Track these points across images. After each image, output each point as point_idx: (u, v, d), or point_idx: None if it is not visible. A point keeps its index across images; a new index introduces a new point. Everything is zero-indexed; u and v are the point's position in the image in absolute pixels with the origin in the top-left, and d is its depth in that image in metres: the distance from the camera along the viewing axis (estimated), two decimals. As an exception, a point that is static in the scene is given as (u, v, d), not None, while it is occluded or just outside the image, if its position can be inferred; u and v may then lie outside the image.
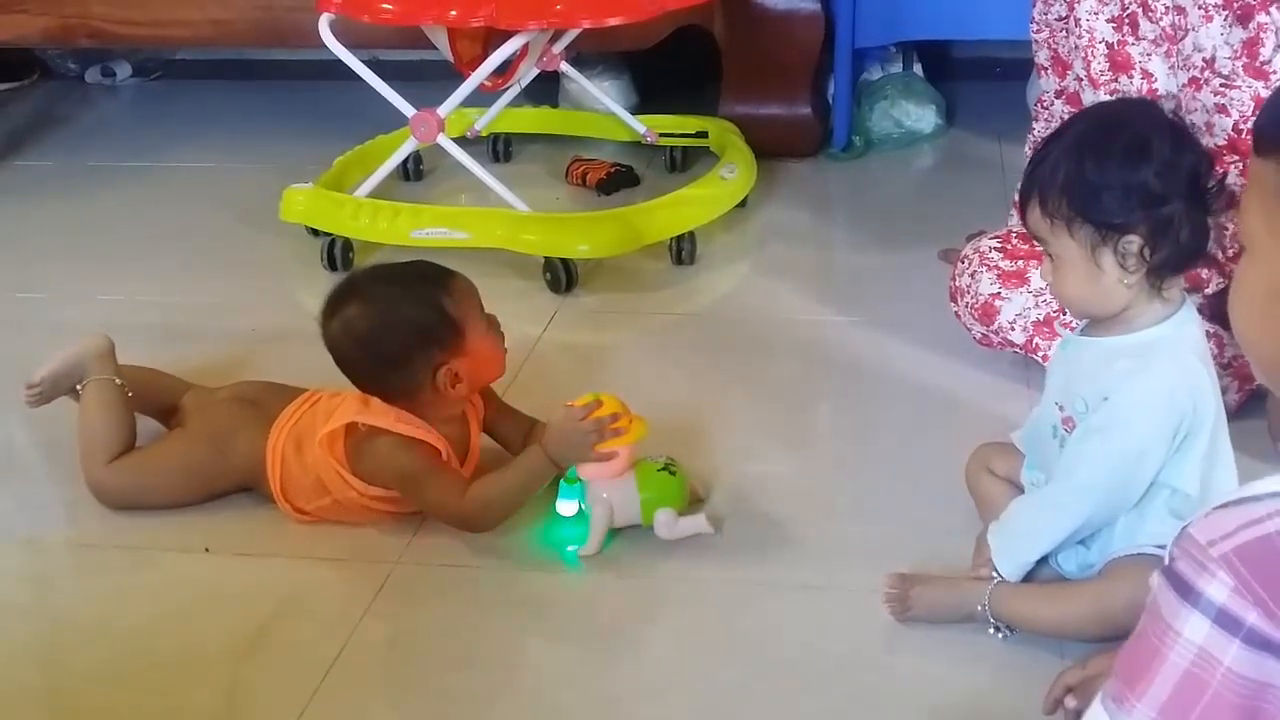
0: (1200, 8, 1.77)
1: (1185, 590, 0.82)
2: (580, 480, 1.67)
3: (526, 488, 1.65)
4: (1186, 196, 1.37)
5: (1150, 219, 1.36)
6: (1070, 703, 1.33)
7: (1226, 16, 1.75)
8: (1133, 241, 1.37)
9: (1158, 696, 0.83)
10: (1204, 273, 1.92)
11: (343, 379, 1.73)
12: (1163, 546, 1.40)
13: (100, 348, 1.84)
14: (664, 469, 1.68)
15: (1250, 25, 1.74)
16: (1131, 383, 1.40)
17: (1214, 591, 0.81)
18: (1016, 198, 2.19)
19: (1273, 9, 1.73)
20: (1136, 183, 1.36)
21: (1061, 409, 1.48)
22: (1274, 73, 1.74)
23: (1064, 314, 1.91)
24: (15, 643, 1.58)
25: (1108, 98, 1.90)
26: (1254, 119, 0.95)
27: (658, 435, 1.89)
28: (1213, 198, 1.40)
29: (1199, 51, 1.78)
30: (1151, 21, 1.83)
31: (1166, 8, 1.81)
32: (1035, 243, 1.44)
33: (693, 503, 1.72)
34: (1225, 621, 0.81)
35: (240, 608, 1.60)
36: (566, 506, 1.70)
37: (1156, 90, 1.86)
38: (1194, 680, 0.82)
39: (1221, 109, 1.78)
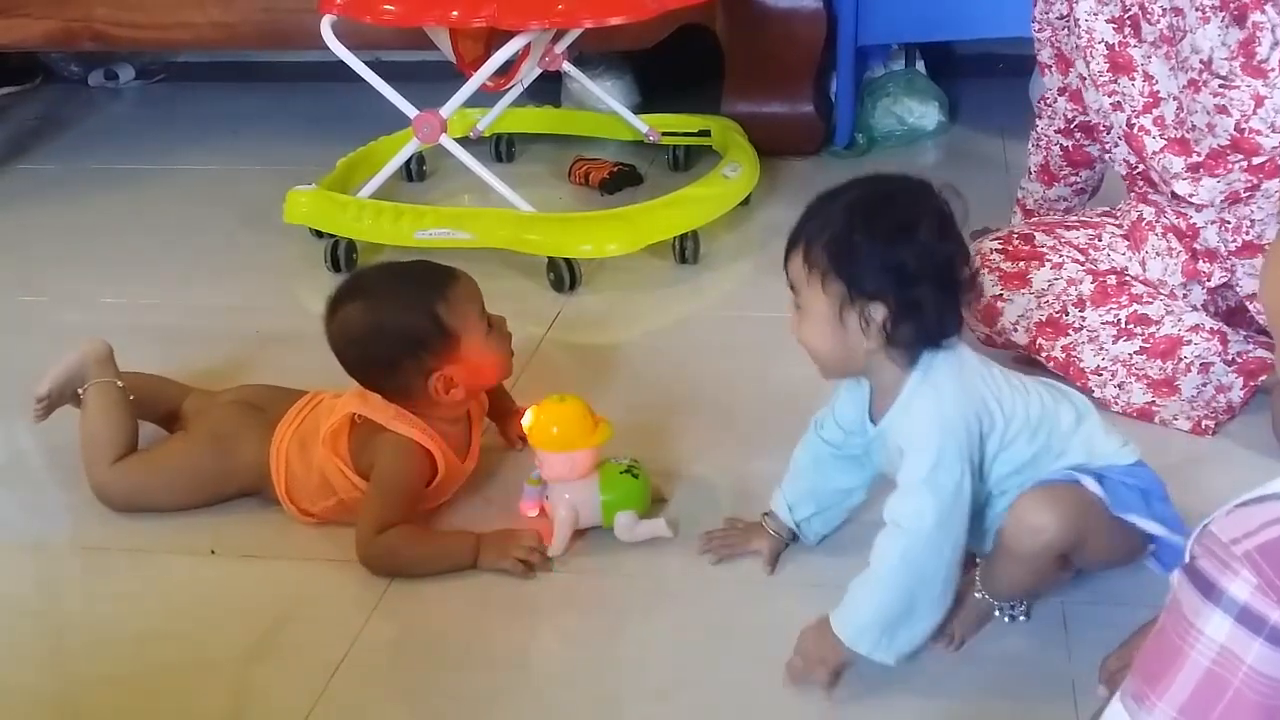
0: (1197, 9, 1.77)
1: (1207, 588, 0.82)
2: (543, 482, 1.68)
3: (437, 563, 1.64)
4: (936, 282, 1.38)
5: (899, 296, 1.37)
6: (1101, 691, 1.34)
7: (1223, 17, 1.75)
8: (878, 309, 1.38)
9: (1178, 695, 0.83)
10: (1205, 265, 1.92)
11: (345, 381, 1.74)
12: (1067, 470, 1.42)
13: (100, 352, 1.84)
14: (626, 471, 1.68)
15: (1246, 24, 1.73)
16: (911, 429, 1.41)
17: (1237, 590, 0.80)
18: (1020, 195, 2.21)
19: (1268, 7, 1.73)
20: (894, 259, 1.37)
21: None
22: (1271, 70, 1.74)
23: (1065, 314, 1.92)
24: (22, 645, 1.59)
25: (1108, 98, 1.90)
26: None
27: (662, 434, 1.89)
28: (963, 289, 1.40)
29: (1196, 53, 1.78)
30: (1150, 23, 1.83)
31: (1164, 10, 1.81)
32: (791, 288, 1.45)
33: (655, 502, 1.73)
34: (1248, 620, 0.80)
35: (246, 610, 1.60)
36: (529, 508, 1.70)
37: (1158, 92, 1.86)
38: (1215, 679, 0.81)
39: (1221, 110, 1.77)
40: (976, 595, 1.49)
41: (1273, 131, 1.76)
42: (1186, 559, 0.85)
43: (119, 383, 1.83)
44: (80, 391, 1.84)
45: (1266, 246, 1.85)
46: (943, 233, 1.39)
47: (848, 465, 1.61)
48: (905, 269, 1.37)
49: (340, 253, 2.49)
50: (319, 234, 2.56)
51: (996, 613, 1.50)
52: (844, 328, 1.40)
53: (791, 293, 1.45)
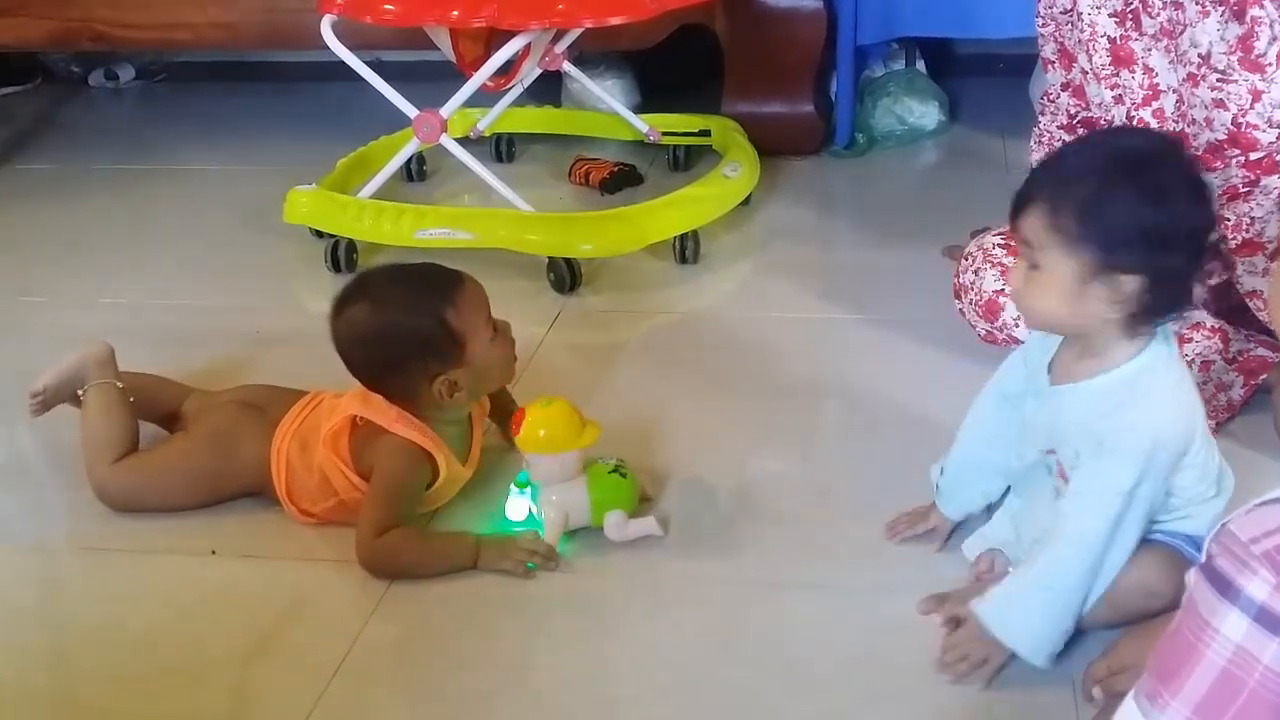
0: (1197, 3, 1.76)
1: (1224, 587, 0.81)
2: (532, 484, 1.68)
3: (438, 564, 1.64)
4: (1189, 253, 1.31)
5: (1155, 266, 1.31)
6: (1096, 693, 1.34)
7: (1223, 12, 1.75)
8: (1131, 282, 1.31)
9: (1193, 694, 0.82)
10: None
11: (346, 382, 1.73)
12: (1168, 533, 1.40)
13: (100, 355, 1.85)
14: (614, 471, 1.68)
15: (1245, 19, 1.73)
16: (1123, 423, 1.35)
17: (1255, 589, 0.80)
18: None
19: (1267, 2, 1.72)
20: (1157, 227, 1.29)
21: (1053, 452, 1.45)
22: (1269, 65, 1.74)
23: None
24: (22, 646, 1.59)
25: (1110, 91, 1.90)
26: None
27: (662, 434, 1.89)
28: (1207, 257, 1.33)
29: (1195, 47, 1.78)
30: (1150, 16, 1.83)
31: (1164, 3, 1.81)
32: (1023, 245, 1.37)
33: (642, 501, 1.73)
34: (1266, 620, 0.80)
35: (246, 610, 1.60)
36: (517, 510, 1.70)
37: (1158, 85, 1.86)
38: (1231, 678, 0.81)
39: (1219, 104, 1.77)
40: None
41: (1270, 126, 1.76)
42: (1204, 558, 0.84)
43: (119, 384, 1.83)
44: (80, 392, 1.84)
45: (1267, 244, 1.85)
46: (1198, 198, 1.31)
47: (1001, 444, 1.57)
48: (1166, 239, 1.29)
49: (340, 253, 2.49)
50: (319, 234, 2.56)
51: None
52: (1085, 295, 1.32)
53: (1023, 248, 1.36)
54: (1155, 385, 1.36)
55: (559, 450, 1.65)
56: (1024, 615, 1.40)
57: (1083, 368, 1.41)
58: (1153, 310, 1.34)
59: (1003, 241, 1.98)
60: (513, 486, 1.70)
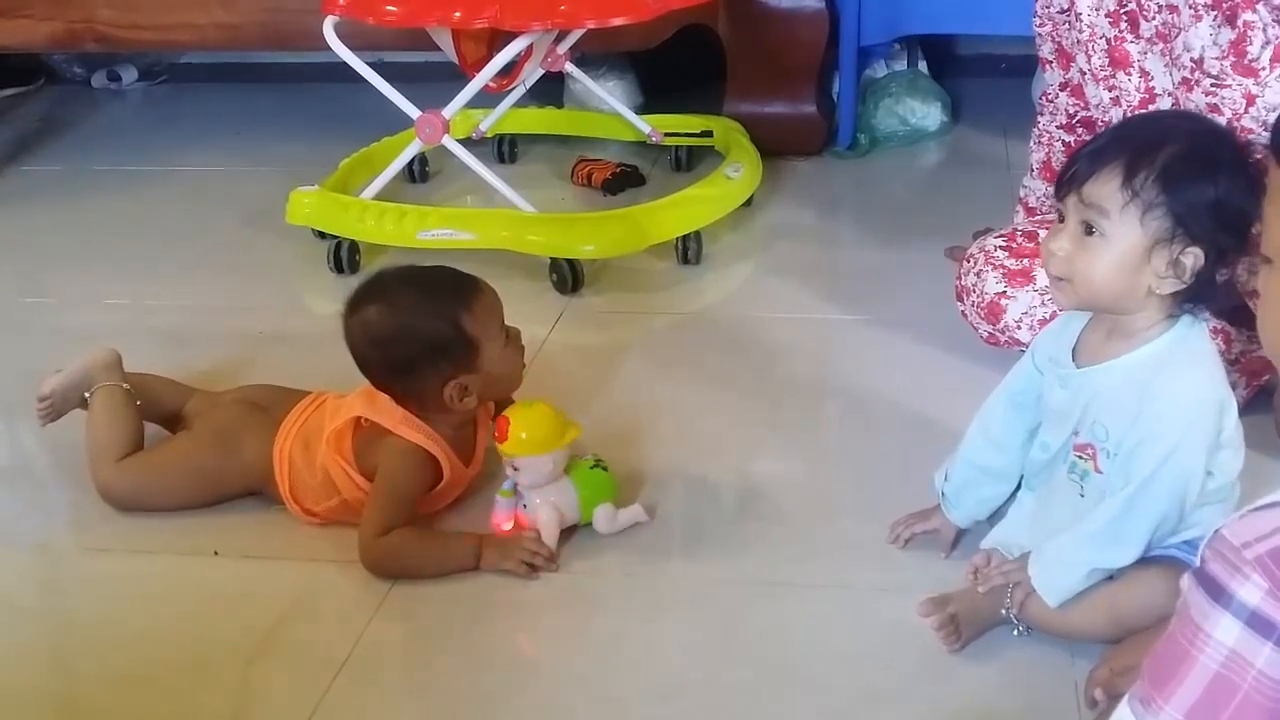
0: (1191, 7, 1.76)
1: (1217, 592, 0.81)
2: (519, 490, 1.67)
3: (440, 565, 1.64)
4: (1243, 238, 1.30)
5: (1218, 244, 1.30)
6: (1098, 695, 1.34)
7: (1215, 17, 1.75)
8: (1196, 255, 1.31)
9: (1186, 699, 0.83)
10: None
11: (349, 382, 1.74)
12: (1168, 547, 1.41)
13: (107, 359, 1.85)
14: (595, 466, 1.70)
15: (1237, 24, 1.73)
16: (1161, 396, 1.35)
17: (1246, 594, 0.80)
18: (1022, 194, 2.21)
19: (1259, 7, 1.73)
20: (1235, 204, 1.29)
21: (1078, 434, 1.46)
22: (1262, 69, 1.74)
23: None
24: (25, 645, 1.59)
25: (1107, 93, 1.90)
26: (1273, 128, 0.93)
27: (664, 435, 1.90)
28: (1245, 251, 1.33)
29: (1188, 51, 1.78)
30: (1146, 20, 1.83)
31: (1159, 6, 1.81)
32: (1084, 209, 1.33)
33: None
34: (1258, 624, 0.80)
35: (249, 610, 1.61)
36: (503, 521, 1.69)
37: (1154, 89, 1.86)
38: (1224, 683, 0.81)
39: (1214, 109, 1.77)
40: (1003, 612, 1.46)
41: (1264, 130, 1.76)
42: (1197, 563, 0.85)
43: (125, 386, 1.84)
44: (87, 395, 1.84)
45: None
46: (1258, 186, 1.28)
47: (1001, 447, 1.58)
48: (1234, 217, 1.28)
49: (343, 254, 2.49)
50: (322, 235, 2.56)
51: (1015, 632, 1.48)
52: (1145, 266, 1.31)
53: (1084, 211, 1.34)
54: (1187, 355, 1.36)
55: (548, 450, 1.65)
56: (1060, 570, 1.41)
57: (1111, 348, 1.41)
58: (1202, 291, 1.33)
59: (1004, 244, 1.98)
60: (498, 496, 1.69)
